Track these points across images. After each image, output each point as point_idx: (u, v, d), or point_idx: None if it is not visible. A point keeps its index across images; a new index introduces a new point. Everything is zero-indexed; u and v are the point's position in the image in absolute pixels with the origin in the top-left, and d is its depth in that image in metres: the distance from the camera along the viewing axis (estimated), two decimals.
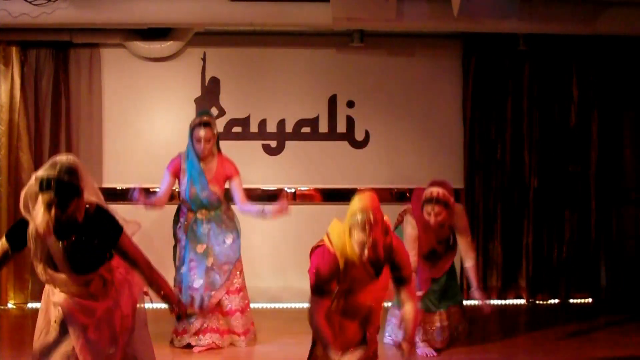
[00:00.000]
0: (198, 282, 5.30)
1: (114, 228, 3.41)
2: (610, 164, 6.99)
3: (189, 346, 5.31)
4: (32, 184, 3.25)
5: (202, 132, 5.27)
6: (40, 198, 3.20)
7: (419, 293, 5.21)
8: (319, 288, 3.64)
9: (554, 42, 6.82)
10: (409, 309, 3.72)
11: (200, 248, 5.37)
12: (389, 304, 5.38)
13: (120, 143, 6.79)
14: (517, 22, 5.80)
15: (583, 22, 6.11)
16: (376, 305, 3.78)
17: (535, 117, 6.92)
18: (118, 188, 6.78)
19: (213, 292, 5.29)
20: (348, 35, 6.72)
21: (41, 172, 3.21)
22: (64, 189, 3.18)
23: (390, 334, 5.44)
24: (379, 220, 3.48)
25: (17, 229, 3.35)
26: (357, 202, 3.55)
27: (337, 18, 5.82)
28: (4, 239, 3.36)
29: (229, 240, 5.42)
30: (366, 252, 3.47)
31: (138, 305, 3.65)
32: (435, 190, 4.99)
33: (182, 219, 5.48)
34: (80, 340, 3.44)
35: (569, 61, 6.94)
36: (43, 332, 3.49)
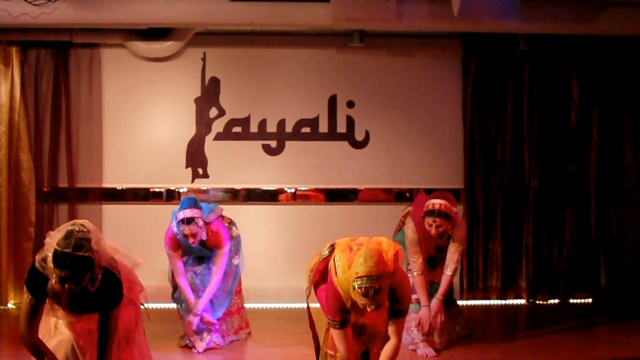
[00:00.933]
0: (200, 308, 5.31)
1: (115, 297, 3.42)
2: (610, 164, 6.98)
3: (188, 346, 5.33)
4: (45, 253, 3.26)
5: (186, 231, 5.11)
6: (54, 270, 3.21)
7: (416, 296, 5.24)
8: (335, 322, 3.67)
9: (554, 42, 6.82)
10: (392, 344, 3.71)
11: (199, 269, 5.42)
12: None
13: (120, 143, 6.78)
14: (517, 22, 5.79)
15: (583, 22, 6.10)
16: (381, 325, 3.79)
17: (535, 117, 6.92)
18: (118, 188, 6.79)
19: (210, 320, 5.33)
20: (348, 35, 6.71)
21: (55, 243, 3.22)
22: (78, 265, 3.20)
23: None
24: (384, 286, 3.42)
25: (35, 282, 3.35)
26: (362, 263, 3.44)
27: (337, 18, 5.81)
28: (28, 294, 3.37)
29: (235, 261, 5.48)
30: (369, 309, 3.46)
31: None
32: (437, 203, 5.04)
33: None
34: (80, 341, 3.46)
35: (569, 61, 6.93)
36: (43, 338, 3.50)
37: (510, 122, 6.92)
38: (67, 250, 3.18)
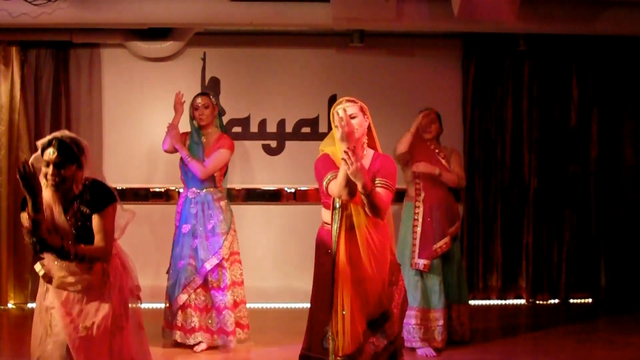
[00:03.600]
0: (182, 262, 5.32)
1: (107, 197, 3.50)
2: (610, 164, 6.99)
3: (176, 344, 5.32)
4: (36, 155, 3.44)
5: (199, 99, 5.47)
6: (42, 157, 3.38)
7: (423, 262, 5.22)
8: (331, 175, 3.69)
9: (554, 42, 6.82)
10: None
11: (185, 228, 5.37)
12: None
13: (121, 143, 6.79)
14: (517, 22, 5.79)
15: (583, 22, 6.10)
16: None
17: (535, 117, 6.92)
18: (118, 188, 6.78)
19: (193, 262, 5.30)
20: (348, 35, 6.71)
21: (45, 139, 3.42)
22: (65, 144, 3.40)
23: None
24: (359, 108, 3.85)
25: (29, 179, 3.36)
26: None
27: (337, 18, 5.81)
28: (24, 201, 3.38)
29: (216, 229, 5.36)
30: (342, 130, 3.53)
31: (131, 306, 3.67)
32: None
33: (179, 203, 5.53)
34: (76, 342, 3.45)
35: (569, 61, 6.94)
36: (41, 339, 3.50)
37: (510, 122, 6.92)
38: (56, 135, 3.43)
